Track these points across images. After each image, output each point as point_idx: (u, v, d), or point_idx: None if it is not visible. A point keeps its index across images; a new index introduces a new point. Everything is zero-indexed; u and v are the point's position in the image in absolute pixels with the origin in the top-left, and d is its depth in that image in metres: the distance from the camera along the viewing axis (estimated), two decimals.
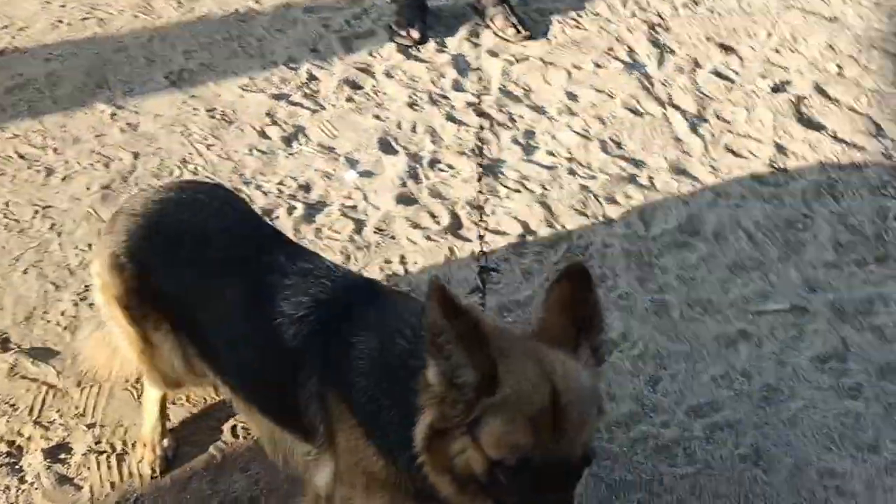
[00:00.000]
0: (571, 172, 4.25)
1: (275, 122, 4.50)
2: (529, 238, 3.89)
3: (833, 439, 3.09)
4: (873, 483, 2.95)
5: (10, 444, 2.91)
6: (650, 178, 4.25)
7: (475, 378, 1.73)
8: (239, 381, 2.44)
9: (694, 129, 4.47)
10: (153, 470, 2.82)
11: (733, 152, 4.35)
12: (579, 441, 1.74)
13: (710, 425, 3.13)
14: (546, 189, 4.15)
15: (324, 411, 2.13)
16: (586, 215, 4.01)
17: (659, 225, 3.97)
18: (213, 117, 4.51)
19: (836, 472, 2.98)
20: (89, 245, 3.66)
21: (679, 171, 4.28)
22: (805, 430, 3.12)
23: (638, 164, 4.34)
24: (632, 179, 4.23)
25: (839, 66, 4.86)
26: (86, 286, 3.44)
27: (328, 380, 2.14)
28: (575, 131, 4.49)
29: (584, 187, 4.16)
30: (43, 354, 3.22)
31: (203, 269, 2.44)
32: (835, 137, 4.40)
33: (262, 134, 4.43)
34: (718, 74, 4.84)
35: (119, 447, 2.92)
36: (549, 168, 4.28)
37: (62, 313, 3.39)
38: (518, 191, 4.15)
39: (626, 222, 3.98)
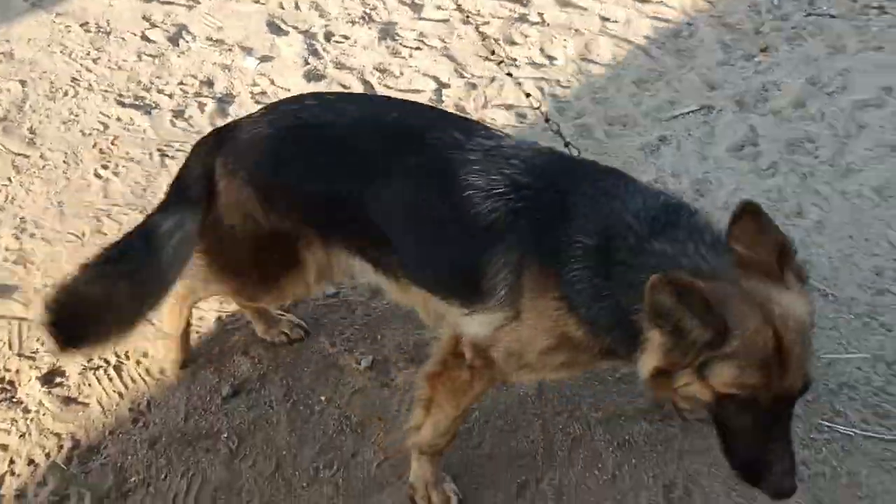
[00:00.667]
0: (465, 22, 4.32)
1: (154, 25, 4.36)
2: (446, 92, 3.96)
3: None
4: (805, 242, 3.28)
5: (1, 380, 2.86)
6: (540, 14, 4.37)
7: (707, 336, 1.79)
8: (410, 259, 2.33)
9: None
10: (179, 365, 2.86)
11: None
12: (802, 372, 1.86)
13: None
14: (446, 42, 4.22)
15: (517, 280, 2.13)
16: (490, 60, 4.11)
17: (560, 57, 4.12)
18: (88, 31, 4.31)
19: None
20: (9, 179, 3.51)
21: (565, 3, 4.42)
22: None
23: (525, 3, 4.45)
24: (523, 18, 4.35)
25: None
26: (21, 219, 3.33)
27: (534, 256, 2.11)
28: None
29: (482, 34, 4.24)
30: (2, 291, 3.12)
31: (365, 163, 2.29)
32: None
33: (145, 38, 4.28)
34: None
35: (112, 360, 2.91)
36: (443, 21, 4.33)
37: (6, 248, 3.27)
38: (419, 48, 4.19)
39: (530, 59, 4.11)
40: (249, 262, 2.44)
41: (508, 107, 3.87)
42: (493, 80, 4.02)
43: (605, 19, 4.35)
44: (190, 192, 2.36)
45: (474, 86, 3.99)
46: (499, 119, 3.80)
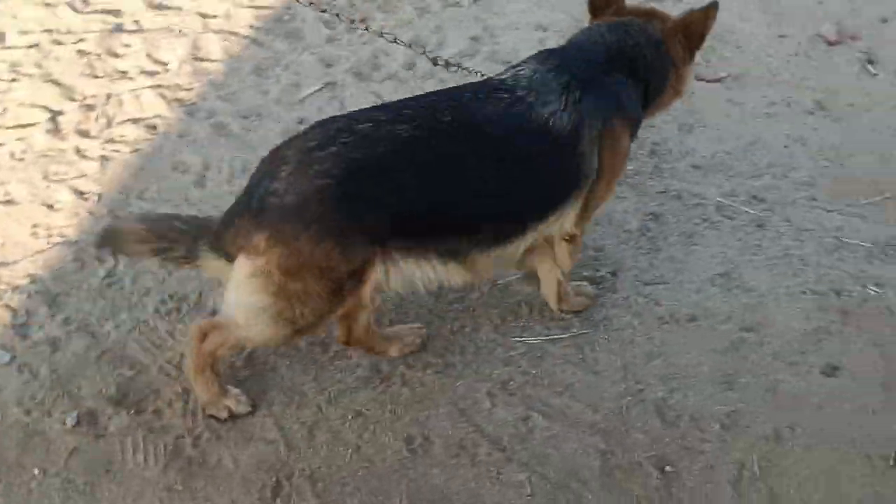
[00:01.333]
0: (58, 43, 4.04)
1: None
2: (62, 119, 3.69)
3: None
4: None
5: None
6: (136, 21, 4.23)
7: None
8: (492, 212, 2.56)
9: None
10: None
11: None
12: None
13: None
14: (43, 67, 3.92)
15: (601, 142, 2.59)
16: (99, 76, 3.90)
17: (172, 60, 4.04)
18: None
19: None
20: None
21: (158, 6, 4.31)
22: None
23: (114, 12, 4.26)
24: (120, 28, 4.17)
25: None
26: None
27: (612, 110, 2.63)
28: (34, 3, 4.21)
29: (81, 52, 4.00)
30: None
31: (430, 161, 2.42)
32: None
33: None
34: None
35: None
36: (33, 47, 4.01)
37: None
38: (15, 80, 3.85)
39: (140, 68, 3.97)
40: (323, 306, 2.44)
41: (136, 120, 3.71)
42: (108, 97, 3.81)
43: (205, 16, 4.30)
44: None
45: (91, 107, 3.76)
46: (130, 135, 3.64)
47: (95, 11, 4.27)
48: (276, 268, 2.33)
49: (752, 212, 3.50)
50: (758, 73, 4.18)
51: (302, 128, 3.59)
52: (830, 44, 4.42)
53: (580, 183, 2.65)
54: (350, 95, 3.94)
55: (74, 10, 4.25)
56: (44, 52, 4.02)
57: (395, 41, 3.56)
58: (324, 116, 3.71)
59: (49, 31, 4.12)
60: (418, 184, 2.43)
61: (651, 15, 2.85)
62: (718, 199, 3.55)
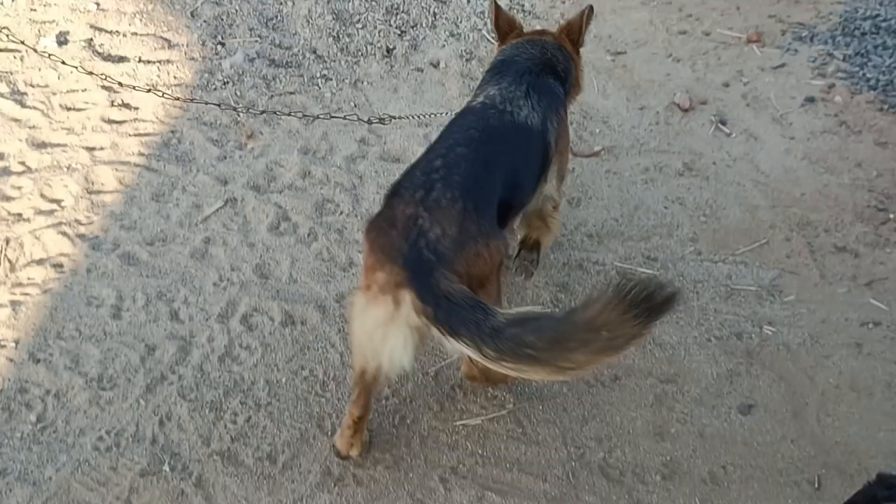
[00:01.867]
0: None
1: None
2: None
3: None
4: None
5: None
6: (21, 161, 4.22)
7: None
8: (523, 184, 3.16)
9: None
10: None
11: None
12: None
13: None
14: None
15: (557, 131, 3.28)
16: None
17: (66, 197, 4.04)
18: None
19: None
20: None
21: (41, 144, 4.30)
22: None
23: None
24: (6, 171, 4.14)
25: None
26: None
27: (558, 103, 3.35)
28: None
29: None
30: None
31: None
32: None
33: None
34: None
35: None
36: None
37: None
38: None
39: (36, 209, 3.96)
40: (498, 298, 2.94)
41: (41, 261, 3.68)
42: (8, 241, 3.76)
43: (91, 149, 4.30)
44: None
45: None
46: (37, 276, 3.60)
47: None
48: (486, 278, 2.73)
49: (648, 271, 3.77)
50: (628, 143, 4.52)
51: (210, 248, 3.70)
52: (684, 110, 4.84)
53: (552, 157, 3.30)
54: (252, 209, 4.02)
55: None
56: None
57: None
58: (231, 232, 3.82)
59: None
60: (492, 178, 2.89)
61: (542, 32, 3.65)
62: (617, 263, 3.81)
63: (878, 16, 5.80)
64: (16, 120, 4.46)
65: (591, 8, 3.54)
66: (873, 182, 4.29)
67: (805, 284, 3.71)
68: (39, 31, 5.13)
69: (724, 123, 4.74)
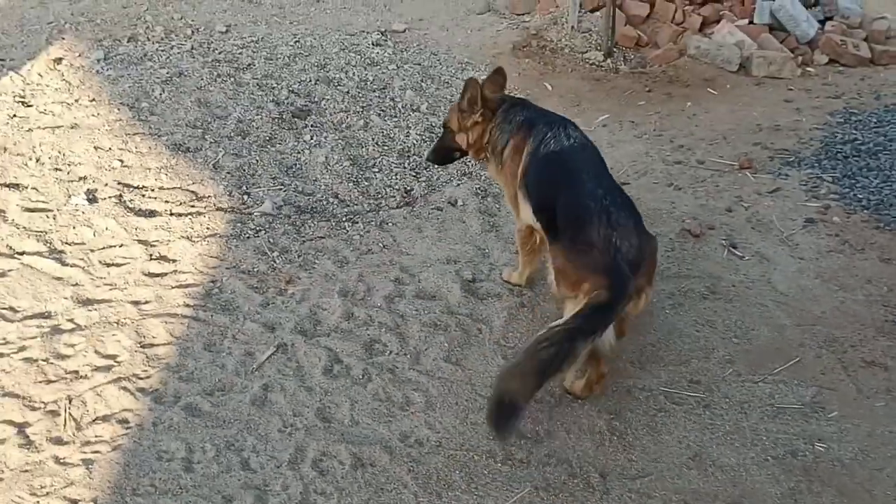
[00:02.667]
0: None
1: None
2: (30, 431, 3.63)
3: None
4: (421, 424, 3.77)
5: None
6: (69, 319, 4.29)
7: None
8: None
9: None
10: None
11: None
12: None
13: None
14: None
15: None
16: (53, 381, 3.91)
17: (121, 352, 4.11)
18: None
19: None
20: None
21: (87, 301, 4.39)
22: None
23: (47, 314, 4.30)
24: (57, 329, 4.21)
25: None
26: None
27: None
28: None
29: (27, 359, 4.01)
30: None
31: None
32: None
33: None
34: None
35: None
36: None
37: None
38: None
39: (92, 365, 4.03)
40: None
41: (106, 418, 3.74)
42: (70, 400, 3.80)
43: (137, 303, 4.40)
44: None
45: (55, 412, 3.75)
46: (104, 433, 3.65)
47: (27, 317, 4.28)
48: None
49: (694, 395, 3.93)
50: None
51: (269, 394, 3.79)
52: (695, 236, 5.11)
53: None
54: (304, 354, 4.13)
55: (5, 319, 4.25)
56: None
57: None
58: (288, 377, 3.91)
59: None
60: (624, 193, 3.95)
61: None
62: (663, 388, 3.96)
63: (855, 139, 6.25)
64: (58, 278, 4.56)
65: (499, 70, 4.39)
66: (886, 297, 4.55)
67: (845, 399, 3.89)
68: (68, 189, 5.29)
69: (734, 247, 5.01)
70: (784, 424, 3.77)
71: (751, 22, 7.90)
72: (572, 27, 7.90)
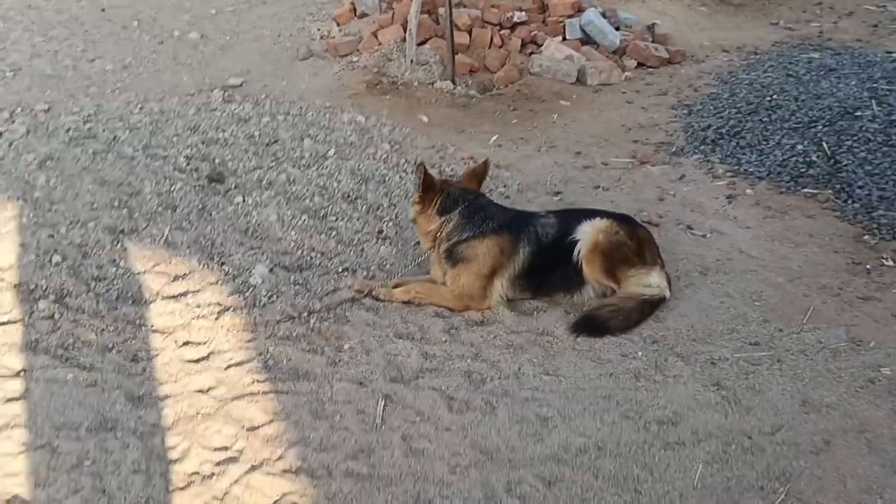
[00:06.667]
0: None
1: None
2: None
3: None
4: None
5: None
6: None
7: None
8: None
9: None
10: None
11: None
12: None
13: None
14: None
15: None
16: None
17: None
18: None
19: None
20: None
21: None
22: None
23: None
24: None
25: None
26: None
27: None
28: None
29: None
30: None
31: None
32: None
33: None
34: None
35: None
36: None
37: None
38: None
39: None
40: None
41: None
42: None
43: (201, 391, 4.07)
44: None
45: None
46: None
47: (87, 431, 3.78)
48: None
49: (763, 353, 4.42)
50: None
51: (412, 444, 3.72)
52: (655, 225, 5.64)
53: None
54: (414, 398, 4.09)
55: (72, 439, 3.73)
56: None
57: None
58: (414, 424, 3.94)
59: None
60: None
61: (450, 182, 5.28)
62: (735, 354, 4.41)
63: (710, 125, 7.13)
64: (91, 384, 4.05)
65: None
66: (834, 245, 5.38)
67: (869, 330, 4.58)
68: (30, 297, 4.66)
69: (691, 229, 5.61)
70: (846, 361, 4.36)
71: (564, 39, 8.67)
72: (411, 61, 8.15)
